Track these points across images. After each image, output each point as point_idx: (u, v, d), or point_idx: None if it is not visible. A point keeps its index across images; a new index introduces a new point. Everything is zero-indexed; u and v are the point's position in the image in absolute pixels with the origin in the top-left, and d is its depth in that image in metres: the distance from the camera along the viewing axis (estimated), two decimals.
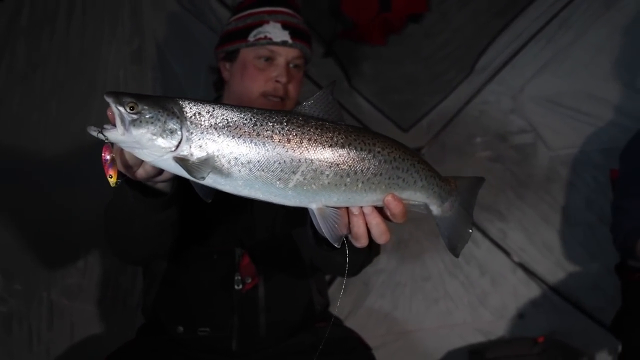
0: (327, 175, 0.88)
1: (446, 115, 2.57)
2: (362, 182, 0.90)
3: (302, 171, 0.87)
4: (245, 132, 0.85)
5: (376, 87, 2.51)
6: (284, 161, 0.86)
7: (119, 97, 0.85)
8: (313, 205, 0.91)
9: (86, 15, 1.90)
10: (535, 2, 2.47)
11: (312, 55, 1.62)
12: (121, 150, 0.89)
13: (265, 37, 1.48)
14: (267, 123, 0.86)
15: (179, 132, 0.84)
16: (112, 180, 0.87)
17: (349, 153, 0.89)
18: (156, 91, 1.99)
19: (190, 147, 0.84)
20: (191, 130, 0.84)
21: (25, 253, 1.79)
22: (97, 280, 1.90)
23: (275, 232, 1.50)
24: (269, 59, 1.50)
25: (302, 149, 0.87)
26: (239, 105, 0.89)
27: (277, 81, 1.49)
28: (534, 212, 2.59)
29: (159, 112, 0.84)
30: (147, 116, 0.83)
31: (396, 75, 2.50)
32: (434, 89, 2.55)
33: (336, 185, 0.89)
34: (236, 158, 0.85)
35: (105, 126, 0.84)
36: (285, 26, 1.50)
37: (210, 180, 0.85)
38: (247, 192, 0.88)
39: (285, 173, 0.86)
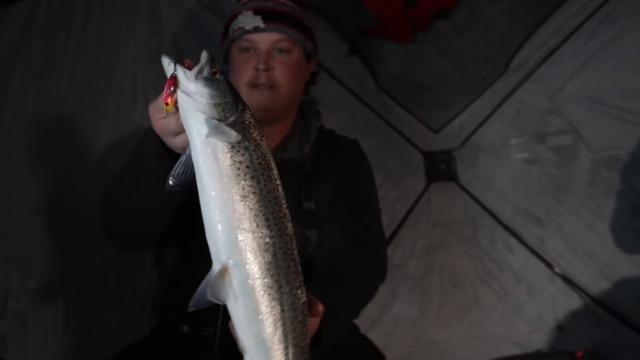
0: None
1: (479, 116, 2.57)
2: None
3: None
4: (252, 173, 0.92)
5: (404, 86, 2.51)
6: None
7: (212, 58, 0.95)
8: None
9: (104, 14, 1.88)
10: None
11: (304, 37, 1.54)
12: (175, 115, 0.96)
13: (239, 28, 1.47)
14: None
15: (230, 116, 0.91)
16: (168, 108, 0.93)
17: None
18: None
19: (227, 130, 0.90)
20: (237, 125, 0.92)
21: (40, 251, 1.77)
22: (113, 280, 1.90)
23: None
24: (250, 50, 1.47)
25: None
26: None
27: (256, 69, 1.45)
28: (575, 218, 2.54)
29: (230, 93, 0.93)
30: (219, 86, 0.92)
31: (425, 74, 2.49)
32: (466, 88, 2.56)
33: None
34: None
35: (179, 65, 0.92)
36: (256, 12, 1.47)
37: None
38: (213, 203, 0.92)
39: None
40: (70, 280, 1.82)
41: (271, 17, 1.47)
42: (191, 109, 0.90)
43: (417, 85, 2.50)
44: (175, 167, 0.95)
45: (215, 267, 0.90)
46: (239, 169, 0.89)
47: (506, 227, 2.58)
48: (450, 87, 2.54)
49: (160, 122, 1.03)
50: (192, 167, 0.92)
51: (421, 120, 2.57)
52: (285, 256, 0.91)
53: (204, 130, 0.88)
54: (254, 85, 1.47)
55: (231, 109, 0.91)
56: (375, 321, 2.36)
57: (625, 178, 2.48)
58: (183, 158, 0.95)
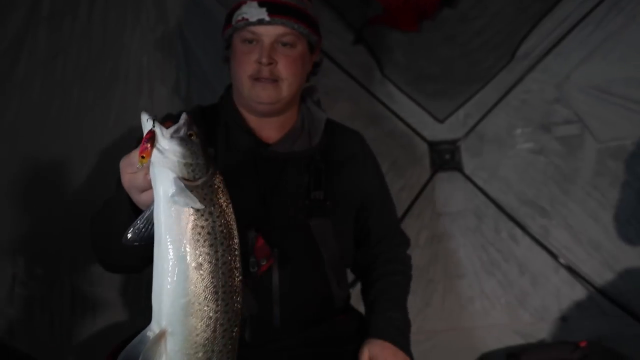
0: None
1: (485, 106, 2.55)
2: None
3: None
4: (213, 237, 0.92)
5: (410, 75, 2.50)
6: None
7: (191, 120, 0.97)
8: None
9: (109, 2, 1.90)
10: None
11: (310, 31, 1.52)
12: (145, 171, 0.98)
13: (243, 19, 1.42)
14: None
15: (199, 177, 0.92)
16: (144, 161, 0.91)
17: None
18: (179, 79, 2.01)
19: (193, 191, 0.91)
20: (205, 188, 0.92)
21: (47, 238, 1.80)
22: None
23: (291, 220, 1.49)
24: (253, 41, 1.44)
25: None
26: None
27: (259, 62, 1.43)
28: (580, 208, 2.54)
29: (203, 155, 0.93)
30: (192, 147, 0.93)
31: (431, 63, 2.47)
32: (471, 77, 2.53)
33: None
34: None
35: (157, 122, 0.94)
36: (261, 4, 1.42)
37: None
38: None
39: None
40: (77, 266, 1.86)
41: (276, 9, 1.45)
42: (162, 165, 0.90)
43: (423, 75, 2.50)
44: (136, 221, 0.95)
45: (154, 328, 0.90)
46: (199, 233, 0.89)
47: (511, 217, 2.58)
48: (455, 76, 2.53)
49: (128, 176, 1.03)
50: (153, 224, 0.92)
51: (426, 110, 2.56)
52: (224, 334, 0.91)
53: (171, 189, 0.89)
54: (256, 79, 1.47)
55: (201, 171, 0.92)
56: None
57: (631, 168, 2.49)
58: (145, 214, 0.95)
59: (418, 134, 2.57)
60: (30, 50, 1.73)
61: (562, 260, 2.53)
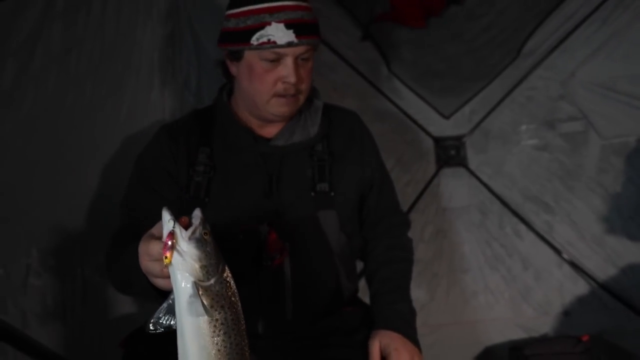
0: None
1: (490, 102, 2.58)
2: None
3: None
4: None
5: (416, 72, 2.53)
6: None
7: (204, 219, 1.04)
8: None
9: None
10: None
11: (320, 41, 1.53)
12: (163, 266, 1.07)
13: (269, 41, 1.40)
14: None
15: (212, 277, 1.00)
16: (167, 261, 1.00)
17: None
18: (190, 73, 2.03)
19: (204, 292, 1.00)
20: (217, 285, 1.01)
21: (59, 230, 1.81)
22: None
23: (300, 213, 1.51)
24: (275, 60, 1.43)
25: None
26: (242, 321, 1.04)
27: (286, 82, 1.44)
28: (584, 204, 2.56)
29: (215, 254, 1.02)
30: (207, 248, 1.01)
31: (437, 59, 2.51)
32: (477, 74, 2.56)
33: None
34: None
35: (177, 224, 1.02)
36: (288, 25, 1.40)
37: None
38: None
39: None
40: (88, 257, 1.86)
41: (303, 30, 1.43)
42: (181, 268, 0.99)
43: (429, 71, 2.53)
44: (157, 313, 1.04)
45: None
46: (215, 325, 0.99)
47: (515, 213, 2.59)
48: (461, 73, 2.55)
49: (146, 263, 1.11)
50: (172, 314, 1.01)
51: (432, 106, 2.58)
52: None
53: (189, 291, 0.98)
54: (280, 95, 1.47)
55: (214, 271, 1.00)
56: None
57: (635, 165, 2.49)
58: (165, 306, 1.03)
59: (424, 129, 2.59)
60: (45, 44, 1.71)
61: (565, 256, 2.55)
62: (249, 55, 1.44)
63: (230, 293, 1.03)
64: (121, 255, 1.34)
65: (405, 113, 2.56)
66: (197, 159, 1.54)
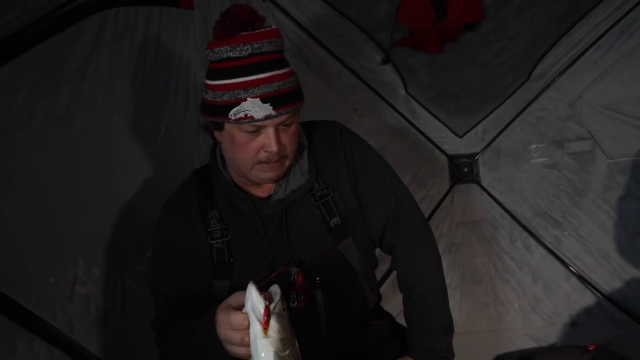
0: None
1: (502, 122, 2.62)
2: None
3: None
4: None
5: (432, 93, 2.56)
6: None
7: (282, 296, 1.14)
8: None
9: (161, 26, 2.00)
10: (597, 8, 2.45)
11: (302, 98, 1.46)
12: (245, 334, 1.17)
13: (247, 117, 1.33)
14: None
15: (287, 349, 1.12)
16: (265, 332, 1.10)
17: None
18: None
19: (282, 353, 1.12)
20: (290, 356, 1.13)
21: (103, 242, 1.89)
22: None
23: (323, 251, 1.53)
24: (256, 131, 1.37)
25: None
26: None
27: (268, 151, 1.38)
28: (591, 220, 2.59)
29: (289, 328, 1.13)
30: (285, 322, 1.12)
31: (452, 82, 2.54)
32: (489, 95, 2.59)
33: None
34: None
35: (266, 301, 1.11)
36: (265, 99, 1.33)
37: None
38: None
39: None
40: (127, 268, 1.94)
41: (280, 102, 1.35)
42: (265, 342, 1.09)
43: (444, 93, 2.56)
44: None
45: None
46: None
47: (525, 228, 2.62)
48: (475, 95, 2.58)
49: (225, 332, 1.19)
50: None
51: (447, 125, 2.62)
52: None
53: (270, 359, 1.09)
54: (263, 162, 1.42)
55: (290, 343, 1.11)
56: (400, 312, 2.42)
57: None
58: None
59: (439, 147, 2.62)
60: (95, 70, 1.82)
61: (573, 269, 2.59)
62: (229, 126, 1.38)
63: (296, 348, 1.14)
64: (189, 331, 1.38)
65: (421, 132, 2.60)
66: (210, 225, 1.51)
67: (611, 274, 2.57)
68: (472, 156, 2.64)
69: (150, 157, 2.01)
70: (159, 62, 2.02)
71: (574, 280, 2.60)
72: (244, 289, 1.17)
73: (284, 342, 1.10)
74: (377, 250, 1.71)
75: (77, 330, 1.82)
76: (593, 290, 2.58)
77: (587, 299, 2.59)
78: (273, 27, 1.38)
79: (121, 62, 1.91)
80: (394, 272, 1.82)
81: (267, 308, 1.08)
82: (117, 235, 1.91)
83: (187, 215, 1.52)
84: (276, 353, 1.08)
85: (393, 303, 1.85)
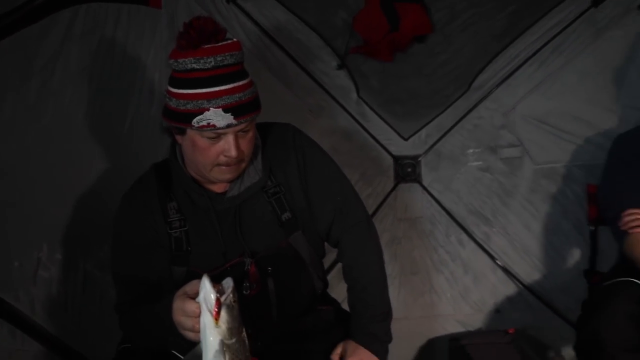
0: None
1: (443, 128, 2.65)
2: None
3: None
4: None
5: (381, 99, 2.58)
6: None
7: (234, 288, 1.18)
8: None
9: (130, 24, 2.01)
10: (532, 28, 2.54)
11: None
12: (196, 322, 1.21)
13: (209, 125, 1.37)
14: None
15: (232, 339, 1.15)
16: (216, 322, 1.13)
17: None
18: None
19: (227, 348, 1.16)
20: (236, 344, 1.17)
21: (66, 228, 1.92)
22: None
23: (275, 243, 1.58)
24: (217, 137, 1.41)
25: None
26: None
27: (228, 156, 1.42)
28: (517, 219, 2.68)
29: (239, 321, 1.17)
30: (234, 313, 1.15)
31: (400, 89, 2.57)
32: (433, 103, 2.62)
33: None
34: None
35: (218, 294, 1.14)
36: (226, 109, 1.37)
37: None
38: None
39: None
40: (89, 253, 1.98)
41: (240, 112, 1.39)
42: (214, 330, 1.14)
43: (392, 98, 2.58)
44: (187, 357, 1.22)
45: None
46: None
47: (459, 225, 2.68)
48: (420, 102, 2.60)
49: (179, 318, 1.25)
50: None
51: (394, 129, 2.62)
52: None
53: (216, 346, 1.13)
54: (222, 164, 1.46)
55: (237, 332, 1.15)
56: (344, 300, 2.45)
57: (560, 187, 2.63)
58: (194, 352, 1.19)
59: (385, 149, 2.64)
60: (64, 64, 1.83)
61: (499, 262, 2.67)
62: (191, 132, 1.41)
63: (245, 349, 1.17)
64: (149, 315, 1.42)
65: (370, 134, 2.60)
66: (169, 216, 1.53)
67: (532, 268, 2.67)
68: (415, 158, 2.66)
69: (114, 149, 2.03)
70: (126, 58, 2.03)
71: (500, 273, 2.69)
72: (200, 275, 1.21)
73: (232, 331, 1.13)
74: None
75: (39, 312, 1.86)
76: (515, 281, 2.67)
77: (510, 289, 2.68)
78: (234, 39, 1.41)
79: (90, 56, 1.92)
80: (338, 264, 1.86)
81: (218, 300, 1.11)
82: (80, 222, 1.94)
83: (146, 205, 1.54)
84: (222, 341, 1.12)
85: (338, 290, 1.82)
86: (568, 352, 2.55)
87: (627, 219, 1.94)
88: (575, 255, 2.67)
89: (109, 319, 1.63)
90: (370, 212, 2.40)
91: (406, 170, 2.67)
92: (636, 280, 2.00)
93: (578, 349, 2.03)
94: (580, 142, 2.62)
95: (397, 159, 2.67)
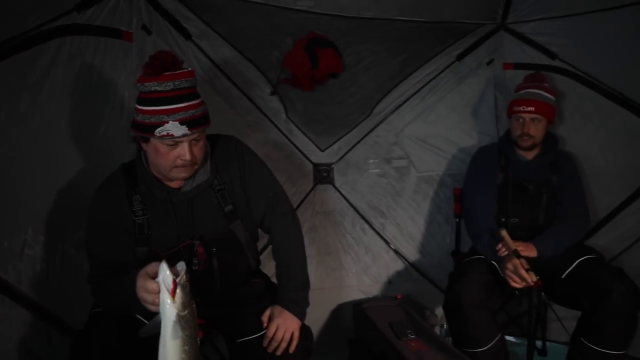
0: None
1: (351, 142, 2.73)
2: None
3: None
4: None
5: (304, 119, 2.63)
6: None
7: (186, 269, 1.20)
8: None
9: (107, 52, 2.02)
10: (415, 73, 2.71)
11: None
12: (156, 298, 1.23)
13: (168, 134, 1.41)
14: None
15: (185, 309, 1.18)
16: (172, 299, 1.16)
17: None
18: None
19: (181, 319, 1.19)
20: (188, 314, 1.20)
21: (48, 215, 1.88)
22: None
23: (219, 229, 1.62)
24: (174, 144, 1.45)
25: None
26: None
27: (183, 159, 1.46)
28: (405, 213, 2.83)
29: (190, 297, 1.19)
30: (187, 290, 1.18)
31: (318, 112, 2.63)
32: (343, 124, 2.70)
33: None
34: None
35: (173, 276, 1.17)
36: (182, 122, 1.41)
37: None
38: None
39: None
40: (67, 236, 1.97)
41: (194, 124, 1.43)
42: (171, 305, 1.17)
43: (313, 119, 2.63)
44: (148, 326, 1.24)
45: None
46: (183, 339, 1.18)
47: (362, 217, 2.75)
48: (334, 122, 2.67)
49: (142, 294, 1.26)
50: (159, 329, 1.19)
51: (313, 142, 2.67)
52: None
53: (173, 317, 1.16)
54: (178, 166, 1.48)
55: (188, 305, 1.17)
56: (273, 275, 2.24)
57: (435, 190, 2.82)
58: (154, 322, 1.21)
59: (307, 157, 2.67)
60: (51, 83, 1.83)
61: (391, 246, 2.79)
62: (154, 140, 1.44)
63: (195, 317, 1.20)
64: (117, 287, 1.42)
65: (295, 146, 2.63)
66: (133, 205, 1.55)
67: (415, 249, 2.83)
68: (329, 165, 2.70)
69: (90, 151, 2.02)
70: (102, 79, 2.03)
71: (392, 254, 2.80)
72: (159, 254, 1.29)
73: (184, 305, 1.16)
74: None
75: (24, 283, 1.84)
76: (403, 260, 2.81)
77: (399, 265, 2.81)
78: (189, 69, 1.46)
79: (73, 77, 1.93)
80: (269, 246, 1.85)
81: (174, 281, 1.15)
82: (60, 210, 1.93)
83: (115, 196, 1.57)
84: (178, 313, 1.16)
85: (269, 268, 1.86)
86: (439, 310, 2.67)
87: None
88: (445, 240, 2.84)
89: (83, 289, 1.63)
90: (294, 206, 2.43)
91: (322, 175, 2.72)
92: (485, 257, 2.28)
93: (445, 308, 2.27)
94: (449, 157, 2.81)
95: (315, 165, 2.70)
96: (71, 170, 1.95)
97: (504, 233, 2.16)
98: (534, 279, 1.99)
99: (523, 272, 2.00)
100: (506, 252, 2.11)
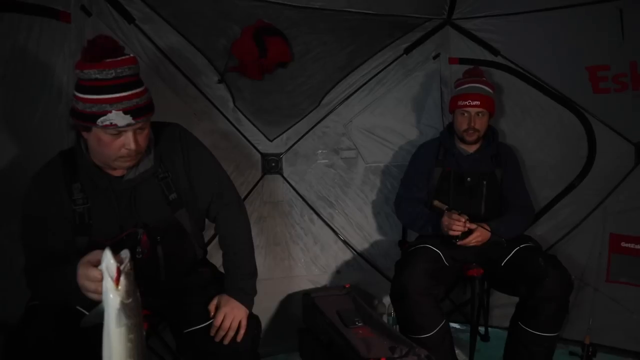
0: None
1: (300, 133, 2.75)
2: None
3: None
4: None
5: (253, 108, 2.63)
6: None
7: (130, 257, 1.17)
8: None
9: (42, 34, 1.96)
10: (363, 65, 2.77)
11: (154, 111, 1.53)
12: (99, 286, 1.20)
13: (112, 124, 1.39)
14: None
15: (130, 297, 1.15)
16: (116, 286, 1.14)
17: None
18: None
19: (125, 306, 1.16)
20: (133, 302, 1.17)
21: None
22: None
23: (163, 218, 1.63)
24: (118, 134, 1.44)
25: None
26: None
27: (128, 148, 1.45)
28: (353, 203, 2.88)
29: (134, 285, 1.17)
30: (130, 278, 1.16)
31: (267, 101, 2.64)
32: (292, 113, 2.72)
33: None
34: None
35: (117, 264, 1.14)
36: (126, 112, 1.39)
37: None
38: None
39: None
40: (1, 227, 1.93)
41: (138, 113, 1.42)
42: (115, 293, 1.14)
43: (261, 109, 2.63)
44: (90, 316, 1.20)
45: None
46: (129, 328, 1.15)
47: (311, 207, 2.79)
48: (282, 112, 2.68)
49: (84, 282, 1.24)
50: (102, 318, 1.15)
51: (262, 132, 2.66)
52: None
53: (117, 305, 1.13)
54: (120, 157, 1.47)
55: (132, 293, 1.15)
56: (220, 265, 2.20)
57: (382, 181, 2.90)
58: (96, 310, 1.18)
59: (255, 147, 2.67)
60: None
61: (340, 236, 2.84)
62: (96, 129, 1.41)
63: (139, 306, 1.19)
64: (56, 276, 1.40)
65: (243, 135, 2.62)
66: (73, 194, 1.53)
67: (363, 239, 2.88)
68: (278, 155, 2.71)
69: (24, 138, 1.98)
70: (38, 63, 1.98)
71: (340, 244, 2.85)
72: (101, 244, 1.25)
73: (129, 293, 1.15)
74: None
75: None
76: (351, 250, 2.86)
77: (347, 255, 2.86)
78: (131, 55, 1.44)
79: (5, 59, 1.87)
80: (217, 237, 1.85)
81: (118, 269, 1.13)
82: None
83: (52, 185, 1.54)
84: (122, 301, 1.14)
85: (216, 258, 1.85)
86: (386, 299, 2.75)
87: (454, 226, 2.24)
88: (392, 230, 2.93)
89: (18, 282, 1.59)
90: (242, 196, 2.49)
91: (271, 165, 2.73)
92: (430, 246, 2.42)
93: (392, 296, 2.35)
94: (396, 148, 2.91)
95: (264, 155, 2.71)
96: (4, 158, 1.91)
97: (436, 202, 2.32)
98: (466, 218, 2.18)
99: (456, 215, 2.18)
100: (445, 211, 2.29)
